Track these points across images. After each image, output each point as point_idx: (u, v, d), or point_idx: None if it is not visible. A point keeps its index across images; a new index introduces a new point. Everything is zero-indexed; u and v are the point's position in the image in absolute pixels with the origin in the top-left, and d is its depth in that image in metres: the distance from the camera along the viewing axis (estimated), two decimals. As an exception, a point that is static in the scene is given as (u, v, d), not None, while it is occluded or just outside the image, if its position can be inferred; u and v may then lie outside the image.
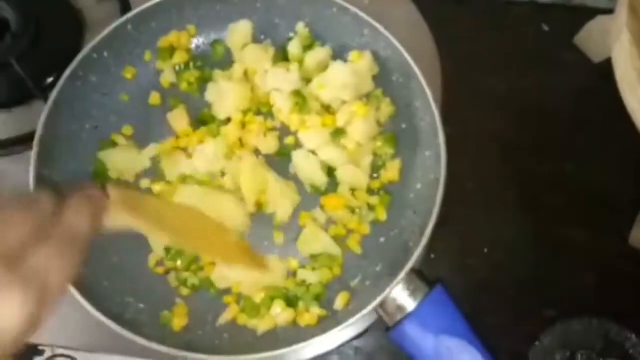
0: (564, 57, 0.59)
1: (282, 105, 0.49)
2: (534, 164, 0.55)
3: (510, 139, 0.56)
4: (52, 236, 0.25)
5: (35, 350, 0.54)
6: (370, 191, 0.49)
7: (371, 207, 0.49)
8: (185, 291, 0.47)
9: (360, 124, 0.49)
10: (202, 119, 0.51)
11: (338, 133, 0.49)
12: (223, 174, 0.49)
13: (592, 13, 0.56)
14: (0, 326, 0.23)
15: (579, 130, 0.56)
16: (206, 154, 0.48)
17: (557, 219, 0.53)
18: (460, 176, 0.53)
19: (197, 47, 0.54)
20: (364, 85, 0.50)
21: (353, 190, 0.49)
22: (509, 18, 0.60)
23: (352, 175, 0.48)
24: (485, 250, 0.52)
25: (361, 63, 0.50)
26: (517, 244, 0.53)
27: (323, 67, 0.51)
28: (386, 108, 0.51)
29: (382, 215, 0.49)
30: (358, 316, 0.42)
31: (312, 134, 0.49)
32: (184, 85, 0.52)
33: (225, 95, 0.49)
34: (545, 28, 0.60)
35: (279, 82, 0.50)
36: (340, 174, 0.49)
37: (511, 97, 0.57)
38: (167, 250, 0.47)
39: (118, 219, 0.32)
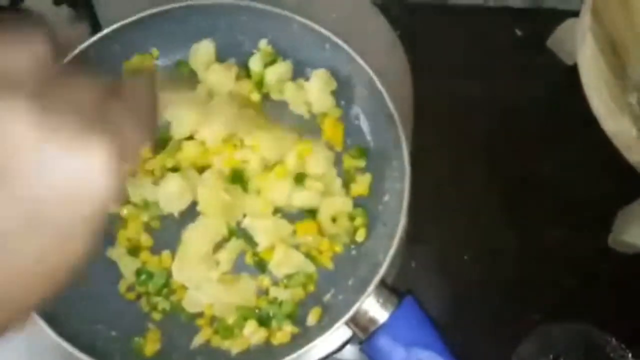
0: (538, 60, 0.59)
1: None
2: (512, 167, 0.56)
3: (488, 144, 0.56)
4: (124, 96, 0.23)
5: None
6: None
7: (348, 231, 0.49)
8: (157, 316, 0.46)
9: (313, 159, 0.48)
10: (161, 139, 0.50)
11: (299, 178, 0.48)
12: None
13: (563, 16, 0.57)
14: (91, 185, 0.20)
15: (556, 133, 0.57)
16: (170, 191, 0.47)
17: (537, 222, 0.53)
18: (438, 183, 0.54)
19: (162, 68, 0.54)
20: (324, 102, 0.50)
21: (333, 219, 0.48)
22: (482, 24, 0.61)
23: (332, 207, 0.48)
24: (466, 257, 0.53)
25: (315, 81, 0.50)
26: (497, 249, 0.53)
27: (283, 82, 0.51)
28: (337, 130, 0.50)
29: (362, 236, 0.48)
30: (330, 331, 0.42)
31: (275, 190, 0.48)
32: None
33: (181, 114, 0.49)
34: (519, 33, 0.61)
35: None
36: (321, 210, 0.48)
37: (487, 102, 0.57)
38: (138, 274, 0.47)
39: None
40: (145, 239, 0.48)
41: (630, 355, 0.48)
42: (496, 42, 0.61)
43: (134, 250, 0.47)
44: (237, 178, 0.48)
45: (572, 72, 0.57)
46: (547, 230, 0.53)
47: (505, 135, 0.57)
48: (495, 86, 0.58)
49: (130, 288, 0.47)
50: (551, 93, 0.60)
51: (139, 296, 0.47)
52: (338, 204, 0.48)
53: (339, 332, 0.46)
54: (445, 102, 0.57)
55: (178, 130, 0.49)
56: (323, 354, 0.48)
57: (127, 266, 0.47)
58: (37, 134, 0.19)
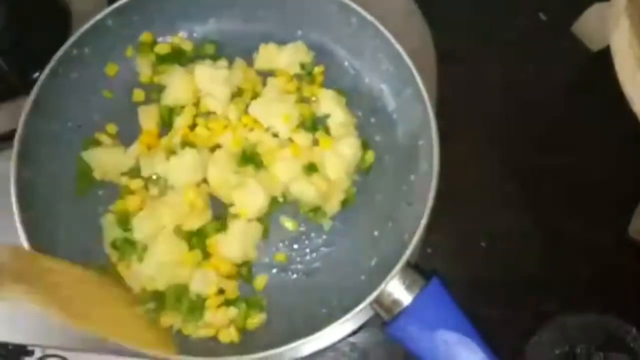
0: (562, 45, 0.58)
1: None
2: (531, 155, 0.54)
3: (508, 131, 0.55)
4: None
5: (23, 350, 0.52)
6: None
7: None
8: None
9: (333, 159, 0.47)
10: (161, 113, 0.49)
11: (310, 168, 0.47)
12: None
13: (589, 1, 0.55)
14: None
15: (577, 121, 0.55)
16: (185, 163, 0.46)
17: (555, 211, 0.52)
18: (457, 169, 0.52)
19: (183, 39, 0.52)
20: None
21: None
22: (506, 7, 0.59)
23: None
24: (483, 244, 0.52)
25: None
26: (515, 237, 0.52)
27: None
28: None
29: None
30: (354, 312, 0.41)
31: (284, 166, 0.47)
32: (157, 79, 0.50)
33: (174, 84, 0.48)
34: (543, 17, 0.60)
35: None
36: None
37: (508, 88, 0.56)
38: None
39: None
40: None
41: (651, 345, 0.47)
42: (520, 25, 0.59)
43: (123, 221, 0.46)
44: (248, 158, 0.47)
45: (597, 59, 0.56)
46: (565, 219, 0.52)
47: (525, 122, 0.56)
48: (517, 71, 0.57)
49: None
50: (574, 79, 0.58)
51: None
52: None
53: (357, 316, 0.45)
54: (465, 86, 0.55)
55: (170, 98, 0.49)
56: (342, 334, 0.47)
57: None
58: None
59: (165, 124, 0.49)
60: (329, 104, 0.49)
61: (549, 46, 0.58)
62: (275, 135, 0.48)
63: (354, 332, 0.48)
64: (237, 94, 0.50)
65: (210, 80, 0.48)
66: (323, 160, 0.47)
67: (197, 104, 0.49)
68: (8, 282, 0.30)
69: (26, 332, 0.49)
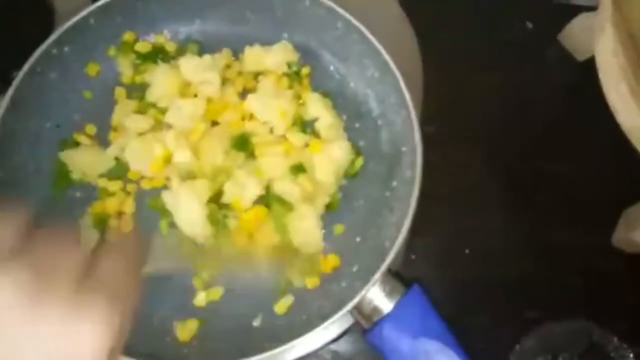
0: (548, 54, 0.58)
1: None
2: (517, 163, 0.55)
3: (495, 138, 0.55)
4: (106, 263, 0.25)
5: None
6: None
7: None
8: None
9: (323, 162, 0.46)
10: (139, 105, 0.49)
11: (296, 169, 0.46)
12: None
13: (576, 10, 0.56)
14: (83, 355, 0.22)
15: (563, 129, 0.56)
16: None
17: (540, 219, 0.52)
18: (442, 175, 0.52)
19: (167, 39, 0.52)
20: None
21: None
22: (493, 15, 0.60)
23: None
24: (467, 251, 0.51)
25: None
26: (499, 244, 0.52)
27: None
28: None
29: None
30: (333, 319, 0.40)
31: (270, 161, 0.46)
32: (139, 79, 0.50)
33: (159, 80, 0.48)
34: (529, 25, 0.60)
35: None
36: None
37: (495, 96, 0.56)
38: None
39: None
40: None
41: (631, 355, 0.47)
42: (507, 33, 0.60)
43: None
44: (242, 144, 0.46)
45: (584, 68, 0.56)
46: (551, 227, 0.52)
47: (512, 130, 0.56)
48: (504, 78, 0.57)
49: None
50: (560, 88, 0.59)
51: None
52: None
53: (338, 323, 0.45)
54: (453, 93, 0.55)
55: (155, 95, 0.48)
56: (323, 341, 0.46)
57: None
58: (27, 311, 0.21)
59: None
60: (316, 106, 0.48)
61: (536, 55, 0.58)
62: (271, 131, 0.48)
63: (336, 339, 0.47)
64: (227, 83, 0.49)
65: (198, 69, 0.47)
66: (312, 163, 0.47)
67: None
68: None
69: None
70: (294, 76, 0.50)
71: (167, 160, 0.45)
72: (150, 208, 0.47)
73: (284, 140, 0.47)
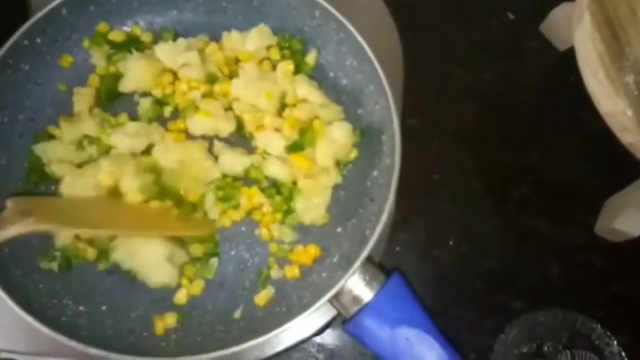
0: (530, 45, 0.58)
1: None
2: (499, 154, 0.55)
3: (476, 130, 0.55)
4: None
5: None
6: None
7: None
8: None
9: (323, 144, 0.46)
10: (107, 95, 0.48)
11: (295, 147, 0.46)
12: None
13: (556, 1, 0.56)
14: None
15: (543, 120, 0.56)
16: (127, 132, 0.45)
17: (522, 210, 0.53)
18: (425, 167, 0.53)
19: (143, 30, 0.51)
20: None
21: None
22: (475, 7, 0.60)
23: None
24: (451, 242, 0.51)
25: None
26: (483, 235, 0.52)
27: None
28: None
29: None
30: (312, 308, 0.40)
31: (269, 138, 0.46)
32: (113, 69, 0.49)
33: (132, 69, 0.47)
34: (511, 16, 0.60)
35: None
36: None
37: (477, 87, 0.56)
38: None
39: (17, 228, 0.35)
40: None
41: (615, 342, 0.48)
42: (489, 25, 0.60)
43: None
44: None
45: (565, 58, 0.56)
46: (534, 217, 0.52)
47: (494, 121, 0.56)
48: (486, 70, 0.57)
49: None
50: (543, 78, 0.59)
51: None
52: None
53: (320, 314, 0.44)
54: (434, 85, 0.55)
55: (129, 84, 0.48)
56: (306, 334, 0.46)
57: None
58: None
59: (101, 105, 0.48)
60: (304, 87, 0.48)
61: (517, 45, 0.59)
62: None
63: (320, 332, 0.47)
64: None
65: (175, 52, 0.47)
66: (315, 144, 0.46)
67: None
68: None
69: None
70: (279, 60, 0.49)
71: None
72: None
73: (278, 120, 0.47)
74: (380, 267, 0.43)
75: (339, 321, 0.46)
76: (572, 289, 0.50)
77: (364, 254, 0.41)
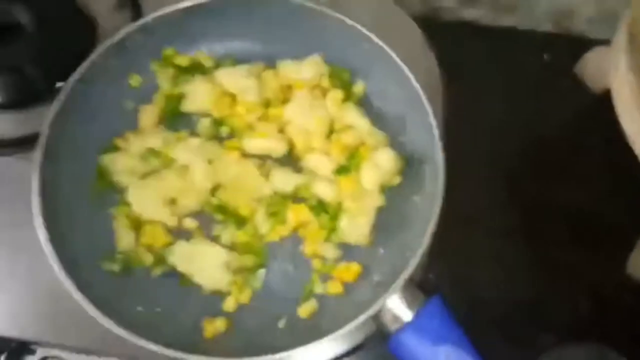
0: (564, 85, 0.60)
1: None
2: (533, 189, 0.56)
3: (510, 164, 0.57)
4: None
5: (26, 348, 0.53)
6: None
7: None
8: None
9: (368, 169, 0.48)
10: (170, 113, 0.51)
11: (343, 170, 0.48)
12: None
13: (591, 43, 0.58)
14: None
15: (578, 156, 0.57)
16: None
17: (555, 244, 0.54)
18: (458, 200, 0.53)
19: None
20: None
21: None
22: (511, 46, 0.62)
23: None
24: (482, 273, 0.53)
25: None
26: (515, 267, 0.53)
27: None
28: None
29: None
30: (353, 323, 0.42)
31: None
32: (176, 90, 0.52)
33: (194, 91, 0.51)
34: (546, 57, 0.62)
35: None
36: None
37: (511, 124, 0.58)
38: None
39: None
40: None
41: (645, 379, 0.48)
42: (524, 65, 0.62)
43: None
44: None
45: (599, 100, 0.58)
46: (566, 252, 0.53)
47: (527, 158, 0.58)
48: (520, 109, 0.59)
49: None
50: (576, 119, 0.60)
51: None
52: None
53: (356, 332, 0.46)
54: (469, 121, 0.57)
55: (191, 105, 0.51)
56: (339, 351, 0.48)
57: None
58: None
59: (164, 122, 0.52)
60: (352, 115, 0.50)
61: (552, 85, 0.60)
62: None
63: (352, 351, 0.48)
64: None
65: (236, 77, 0.51)
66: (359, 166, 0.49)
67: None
68: None
69: (26, 328, 0.50)
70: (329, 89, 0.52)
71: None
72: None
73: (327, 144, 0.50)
74: (421, 287, 0.45)
75: (371, 341, 0.48)
76: (601, 325, 0.51)
77: (406, 273, 0.43)
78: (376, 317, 0.43)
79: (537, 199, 0.55)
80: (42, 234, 0.43)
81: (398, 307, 0.43)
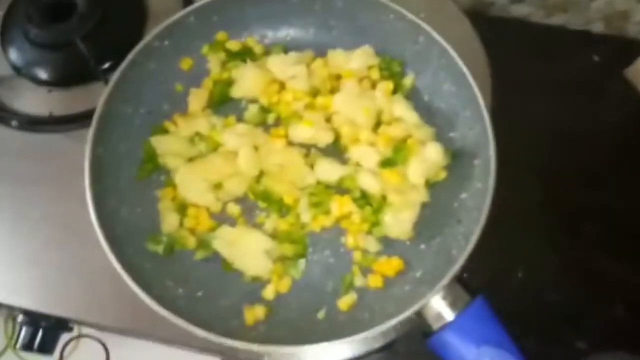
0: (612, 88, 0.59)
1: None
2: (575, 190, 0.55)
3: (553, 164, 0.56)
4: None
5: (64, 325, 0.54)
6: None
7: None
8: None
9: (415, 163, 0.47)
10: (219, 98, 0.51)
11: (387, 162, 0.48)
12: None
13: (643, 46, 0.56)
14: None
15: (622, 161, 0.56)
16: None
17: (594, 248, 0.52)
18: (498, 199, 0.53)
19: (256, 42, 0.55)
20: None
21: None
22: (561, 46, 0.61)
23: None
24: (520, 275, 0.52)
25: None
26: (552, 270, 0.52)
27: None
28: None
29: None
30: (397, 319, 0.41)
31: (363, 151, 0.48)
32: (226, 75, 0.52)
33: (243, 77, 0.51)
34: (596, 58, 0.61)
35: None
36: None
37: (556, 124, 0.57)
38: None
39: None
40: None
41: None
42: (573, 64, 0.61)
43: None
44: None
45: None
46: (603, 257, 0.52)
47: (572, 157, 0.56)
48: (566, 108, 0.58)
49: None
50: (622, 122, 0.59)
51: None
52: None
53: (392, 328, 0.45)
54: (514, 118, 0.56)
55: (240, 91, 0.51)
56: (371, 347, 0.48)
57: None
58: None
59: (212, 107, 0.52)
60: (400, 107, 0.50)
61: (601, 87, 0.59)
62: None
63: (384, 348, 0.48)
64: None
65: (286, 65, 0.50)
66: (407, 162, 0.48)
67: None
68: None
69: (66, 306, 0.50)
70: (379, 80, 0.52)
71: None
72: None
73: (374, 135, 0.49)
74: (466, 286, 0.44)
75: (403, 339, 0.47)
76: (636, 332, 0.49)
77: (453, 271, 0.42)
78: (419, 314, 0.43)
79: (577, 201, 0.54)
80: (92, 210, 0.44)
81: (442, 305, 0.43)
